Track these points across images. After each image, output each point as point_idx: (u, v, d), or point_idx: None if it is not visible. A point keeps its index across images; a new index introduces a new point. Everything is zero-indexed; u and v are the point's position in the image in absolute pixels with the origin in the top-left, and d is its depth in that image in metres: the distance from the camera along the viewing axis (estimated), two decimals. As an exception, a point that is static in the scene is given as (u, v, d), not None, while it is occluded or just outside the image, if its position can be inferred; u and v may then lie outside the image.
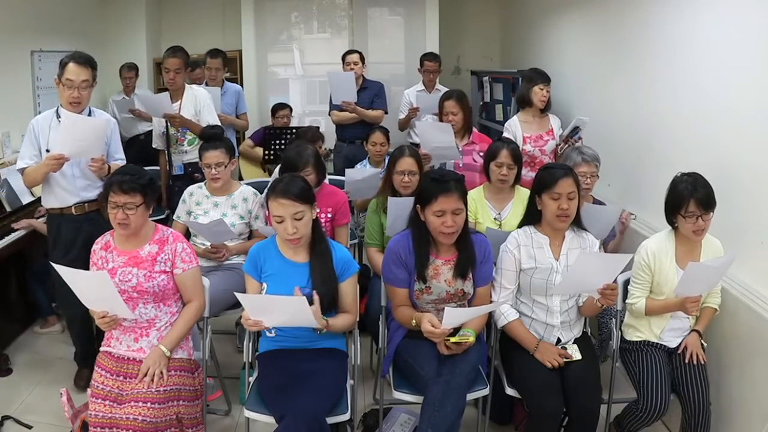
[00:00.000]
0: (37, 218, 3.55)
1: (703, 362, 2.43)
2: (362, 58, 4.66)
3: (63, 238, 3.01)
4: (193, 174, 3.83)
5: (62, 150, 2.79)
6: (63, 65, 2.88)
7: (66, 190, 2.97)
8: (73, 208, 3.00)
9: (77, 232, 2.99)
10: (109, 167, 2.98)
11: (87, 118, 2.92)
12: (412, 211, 2.48)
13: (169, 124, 3.82)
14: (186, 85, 3.89)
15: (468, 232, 2.45)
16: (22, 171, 2.96)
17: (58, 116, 2.92)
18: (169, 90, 3.91)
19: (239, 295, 2.19)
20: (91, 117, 2.96)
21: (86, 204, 3.01)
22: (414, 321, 2.36)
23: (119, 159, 3.12)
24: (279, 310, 2.19)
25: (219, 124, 3.85)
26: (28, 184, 3.15)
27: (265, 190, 3.29)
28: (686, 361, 2.43)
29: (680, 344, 2.52)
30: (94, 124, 2.90)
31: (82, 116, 2.90)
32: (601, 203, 3.19)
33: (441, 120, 3.75)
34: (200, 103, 3.85)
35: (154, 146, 4.07)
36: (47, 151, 2.86)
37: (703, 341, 2.51)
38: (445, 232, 2.35)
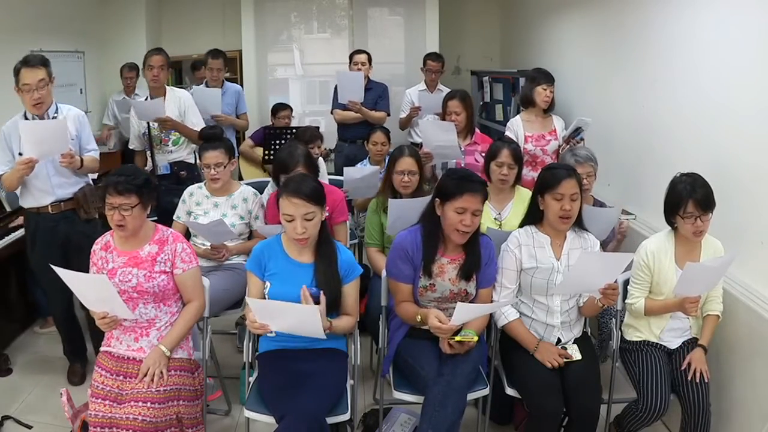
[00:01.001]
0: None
1: (706, 380, 2.40)
2: (369, 59, 4.67)
3: (40, 237, 3.07)
4: (179, 173, 3.84)
5: (29, 154, 2.82)
6: (16, 72, 2.90)
7: (42, 190, 3.01)
8: (49, 207, 3.04)
9: (54, 231, 3.05)
10: (82, 159, 3.02)
11: (40, 122, 2.92)
12: (428, 205, 2.48)
13: (151, 125, 3.83)
14: (166, 86, 3.91)
15: (478, 236, 2.46)
16: None
17: (26, 119, 2.94)
18: (150, 88, 3.92)
19: (250, 300, 2.18)
20: (45, 120, 2.94)
21: (62, 203, 3.05)
22: (419, 317, 2.36)
23: (92, 150, 3.15)
24: (288, 316, 2.19)
25: (204, 125, 3.88)
26: (8, 189, 3.19)
27: (266, 190, 3.31)
28: (689, 378, 2.39)
29: (680, 347, 2.52)
30: (50, 125, 2.91)
31: (35, 121, 2.91)
32: (601, 203, 3.19)
33: (444, 119, 3.75)
34: (184, 105, 3.87)
35: (130, 147, 4.09)
36: (20, 154, 2.89)
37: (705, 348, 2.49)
38: (461, 230, 2.35)
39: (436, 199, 2.42)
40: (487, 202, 3.01)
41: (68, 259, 2.96)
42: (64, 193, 3.06)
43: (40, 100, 2.89)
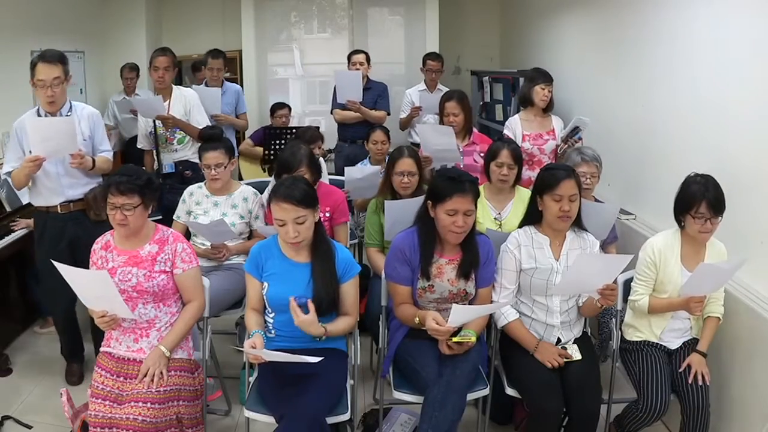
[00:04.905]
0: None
1: (707, 384, 2.39)
2: (368, 59, 4.68)
3: (48, 236, 3.04)
4: (183, 172, 3.85)
5: (37, 152, 2.80)
6: (33, 66, 2.86)
7: (51, 189, 3.00)
8: (58, 206, 3.02)
9: (62, 231, 3.03)
10: (94, 160, 2.99)
11: (47, 119, 2.89)
12: (422, 207, 2.48)
13: (157, 123, 3.83)
14: (173, 85, 3.91)
15: (474, 234, 2.45)
16: (8, 174, 2.99)
17: (39, 116, 2.93)
18: (156, 89, 3.92)
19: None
20: (51, 118, 2.90)
21: (71, 203, 3.03)
22: (417, 319, 2.36)
23: (105, 151, 3.13)
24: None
25: (209, 123, 3.88)
26: (17, 187, 3.19)
27: (266, 190, 3.31)
28: (690, 382, 2.39)
29: (681, 347, 2.52)
30: (57, 123, 2.86)
31: (42, 118, 2.89)
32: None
33: (441, 120, 3.75)
34: (189, 103, 3.87)
35: (139, 146, 4.09)
36: (30, 152, 2.86)
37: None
38: (455, 232, 2.35)
39: (428, 201, 2.42)
40: (487, 202, 3.04)
41: (75, 261, 2.95)
42: (74, 194, 3.03)
43: (52, 98, 2.86)
